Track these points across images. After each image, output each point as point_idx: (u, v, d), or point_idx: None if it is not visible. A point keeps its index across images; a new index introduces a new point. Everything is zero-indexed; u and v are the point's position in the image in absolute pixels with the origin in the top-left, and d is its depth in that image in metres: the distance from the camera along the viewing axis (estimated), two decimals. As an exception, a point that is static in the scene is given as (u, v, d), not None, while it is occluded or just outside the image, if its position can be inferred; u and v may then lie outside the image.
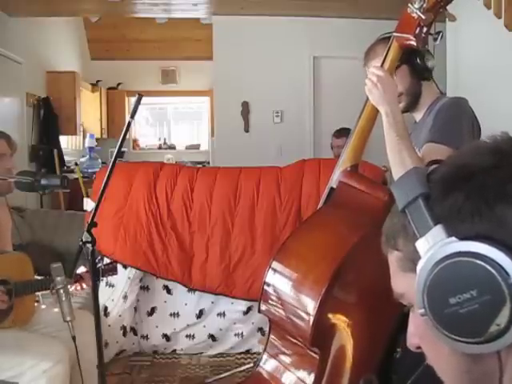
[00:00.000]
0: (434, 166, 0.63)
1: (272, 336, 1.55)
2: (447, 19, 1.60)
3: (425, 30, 1.52)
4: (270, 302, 1.50)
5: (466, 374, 0.59)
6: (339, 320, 1.41)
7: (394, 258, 0.64)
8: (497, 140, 0.61)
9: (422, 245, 0.57)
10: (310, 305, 1.37)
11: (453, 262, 0.54)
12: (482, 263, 0.53)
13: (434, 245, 0.56)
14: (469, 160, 0.59)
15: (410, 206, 0.59)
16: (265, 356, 1.55)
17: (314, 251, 1.53)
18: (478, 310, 0.53)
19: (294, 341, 1.46)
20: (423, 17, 1.47)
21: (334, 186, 1.68)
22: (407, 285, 0.61)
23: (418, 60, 1.67)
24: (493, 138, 0.62)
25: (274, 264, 1.50)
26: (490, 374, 0.57)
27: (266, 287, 1.50)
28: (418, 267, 0.57)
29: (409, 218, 0.59)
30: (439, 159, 0.66)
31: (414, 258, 0.59)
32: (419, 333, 0.63)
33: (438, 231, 0.56)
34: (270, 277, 1.50)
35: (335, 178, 1.68)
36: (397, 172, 1.52)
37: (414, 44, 1.53)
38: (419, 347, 0.64)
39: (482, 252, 0.53)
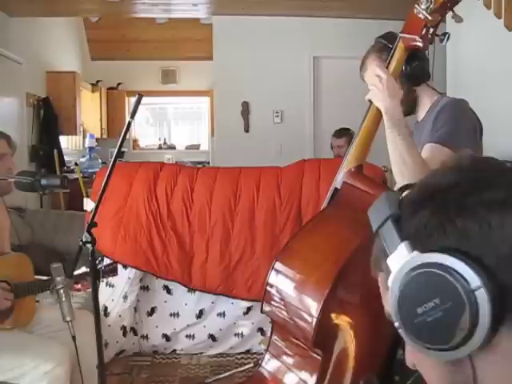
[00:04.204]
0: (407, 192, 0.67)
1: (274, 336, 1.55)
2: (453, 20, 1.59)
3: (431, 30, 1.51)
4: (272, 302, 1.50)
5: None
6: (342, 321, 1.40)
7: (380, 278, 0.67)
8: (459, 158, 0.65)
9: (391, 262, 0.61)
10: (313, 306, 1.37)
11: (416, 273, 0.58)
12: (440, 272, 0.56)
13: (401, 260, 0.60)
14: (433, 180, 0.64)
15: (382, 228, 0.63)
16: (267, 356, 1.55)
17: (317, 252, 1.52)
18: (443, 317, 0.56)
19: (297, 341, 1.46)
20: (430, 18, 1.47)
21: (338, 187, 1.67)
22: None
23: (405, 68, 1.65)
24: (456, 157, 0.67)
25: (277, 265, 1.50)
26: (469, 381, 0.60)
27: (268, 288, 1.50)
28: (389, 283, 0.61)
29: (382, 239, 0.63)
30: (410, 184, 0.71)
31: None
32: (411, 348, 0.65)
33: (403, 247, 0.60)
34: (273, 277, 1.49)
35: (339, 178, 1.68)
36: (398, 171, 1.52)
37: (421, 45, 1.52)
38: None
39: (440, 261, 0.57)
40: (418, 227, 0.60)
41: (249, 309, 3.37)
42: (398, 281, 0.59)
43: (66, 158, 6.42)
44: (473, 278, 0.55)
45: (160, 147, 8.96)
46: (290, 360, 1.50)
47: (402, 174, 1.50)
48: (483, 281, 0.55)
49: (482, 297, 0.55)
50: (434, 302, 0.56)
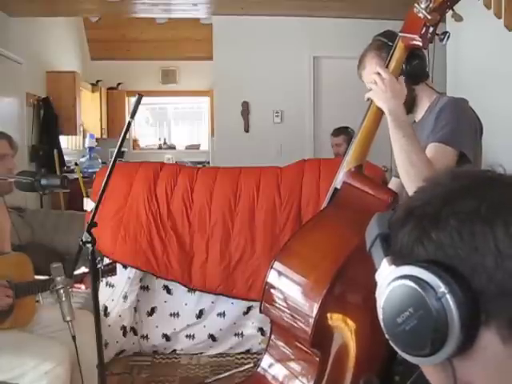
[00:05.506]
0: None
1: (273, 336, 1.55)
2: (453, 19, 1.58)
3: (431, 30, 1.51)
4: (271, 302, 1.50)
5: None
6: (340, 321, 1.40)
7: None
8: (438, 174, 0.69)
9: (378, 277, 0.66)
10: (311, 305, 1.37)
11: (392, 286, 0.62)
12: (410, 282, 0.60)
13: (383, 275, 0.64)
14: (415, 197, 0.67)
15: (372, 247, 0.68)
16: (266, 356, 1.54)
17: (316, 252, 1.52)
18: (417, 324, 0.59)
19: (295, 341, 1.46)
20: (429, 17, 1.47)
21: (338, 187, 1.67)
22: None
23: (405, 66, 1.65)
24: (436, 173, 0.70)
25: (276, 264, 1.50)
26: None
27: (267, 287, 1.50)
28: (377, 297, 0.65)
29: (373, 257, 0.67)
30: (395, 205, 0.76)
31: None
32: None
33: (385, 263, 0.65)
34: (272, 277, 1.49)
35: (339, 178, 1.67)
36: (404, 172, 1.50)
37: (420, 44, 1.52)
38: None
39: (409, 273, 0.60)
40: (401, 243, 0.64)
41: (249, 309, 3.37)
42: (381, 294, 0.63)
43: (66, 158, 6.42)
44: (439, 286, 0.58)
45: (160, 147, 8.95)
46: (288, 360, 1.50)
47: (408, 174, 1.48)
48: (450, 288, 0.57)
49: (449, 303, 0.57)
50: (409, 311, 0.60)
